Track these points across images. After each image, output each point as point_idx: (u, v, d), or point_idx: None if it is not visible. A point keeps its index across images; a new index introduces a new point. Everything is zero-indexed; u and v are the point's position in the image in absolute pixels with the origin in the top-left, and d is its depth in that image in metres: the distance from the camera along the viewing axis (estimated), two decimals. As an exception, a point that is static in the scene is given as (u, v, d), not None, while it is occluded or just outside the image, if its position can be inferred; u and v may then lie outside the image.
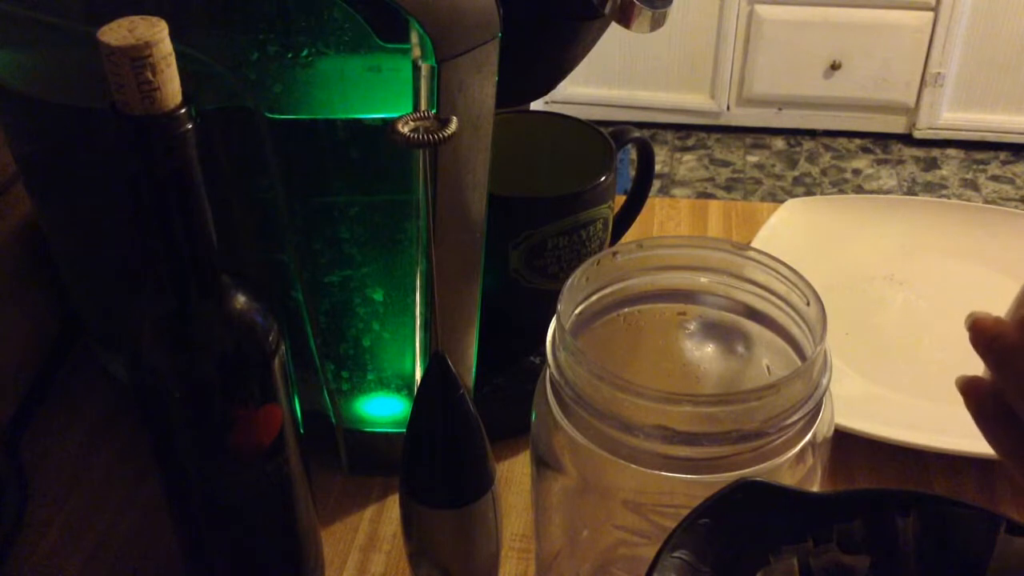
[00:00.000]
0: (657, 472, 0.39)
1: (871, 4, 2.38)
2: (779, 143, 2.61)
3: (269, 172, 0.49)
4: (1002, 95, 2.45)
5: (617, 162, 0.62)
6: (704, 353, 0.49)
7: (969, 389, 0.41)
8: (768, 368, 0.46)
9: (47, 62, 0.53)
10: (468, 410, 0.44)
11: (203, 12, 0.46)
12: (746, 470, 0.39)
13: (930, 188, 2.44)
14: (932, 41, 2.39)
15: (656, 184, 2.32)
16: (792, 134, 2.63)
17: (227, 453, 0.44)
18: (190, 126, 0.37)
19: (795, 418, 0.39)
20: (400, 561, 0.56)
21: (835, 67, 2.46)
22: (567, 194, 0.59)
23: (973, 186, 2.44)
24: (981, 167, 2.50)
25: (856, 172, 2.50)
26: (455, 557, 0.47)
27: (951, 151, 2.55)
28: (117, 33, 0.34)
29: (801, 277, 0.43)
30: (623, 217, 0.71)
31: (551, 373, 0.41)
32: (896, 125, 2.56)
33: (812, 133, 2.63)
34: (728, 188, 2.46)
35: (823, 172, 2.50)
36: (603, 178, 0.60)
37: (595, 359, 0.39)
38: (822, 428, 0.41)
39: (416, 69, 0.46)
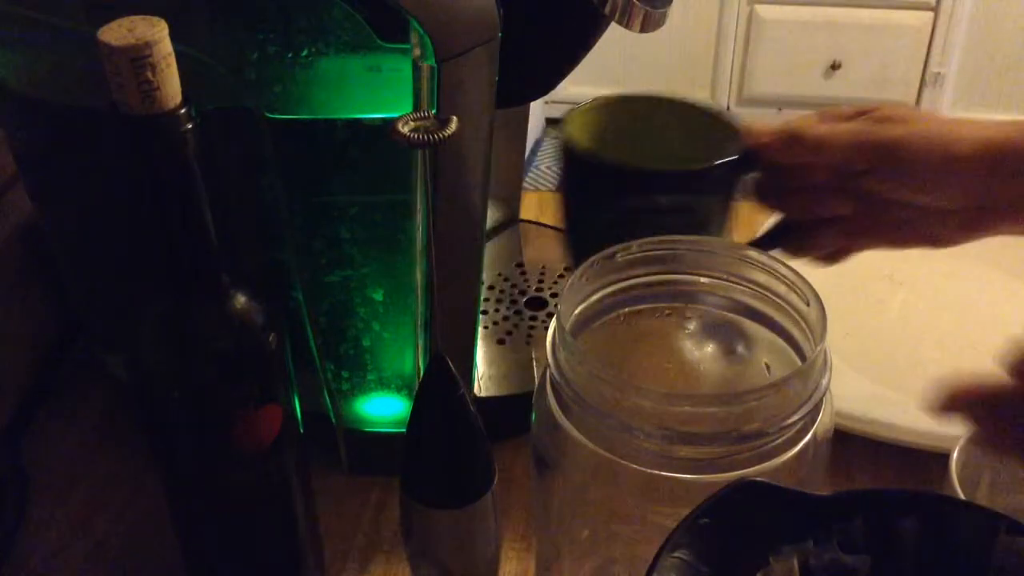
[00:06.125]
0: (657, 472, 0.39)
1: (871, 4, 2.37)
2: (779, 143, 2.61)
3: (269, 172, 0.49)
4: (1002, 95, 2.45)
5: None
6: (704, 353, 0.49)
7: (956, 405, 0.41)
8: (768, 368, 0.46)
9: (47, 62, 0.53)
10: (468, 410, 0.44)
11: (203, 12, 0.46)
12: (746, 470, 0.39)
13: (930, 188, 2.43)
14: (932, 41, 2.39)
15: (656, 184, 2.31)
16: (792, 134, 2.62)
17: (227, 453, 0.44)
18: (190, 126, 0.37)
19: (795, 418, 0.39)
20: (400, 561, 0.56)
21: (835, 67, 2.46)
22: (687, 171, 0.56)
23: (973, 186, 2.44)
24: (981, 167, 2.50)
25: (856, 172, 2.49)
26: (455, 557, 0.47)
27: (951, 151, 2.55)
28: (117, 33, 0.34)
29: (801, 277, 0.43)
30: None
31: (551, 373, 0.41)
32: (896, 125, 2.55)
33: (812, 133, 2.62)
34: (728, 188, 2.45)
35: (823, 172, 2.49)
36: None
37: (595, 359, 0.39)
38: (822, 428, 0.41)
39: (416, 69, 0.46)
